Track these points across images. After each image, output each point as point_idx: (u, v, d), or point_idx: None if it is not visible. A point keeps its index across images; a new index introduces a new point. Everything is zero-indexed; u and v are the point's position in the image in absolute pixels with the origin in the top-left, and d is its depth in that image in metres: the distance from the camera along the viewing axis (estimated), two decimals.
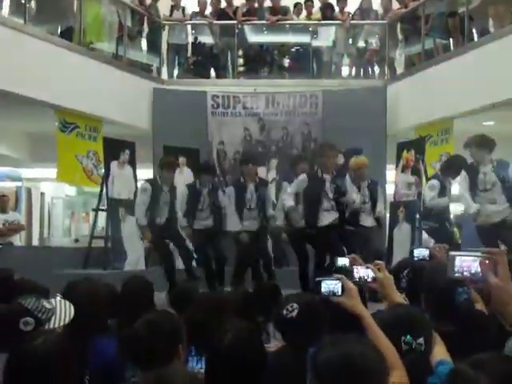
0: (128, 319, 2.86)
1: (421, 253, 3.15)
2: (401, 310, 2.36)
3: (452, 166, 7.30)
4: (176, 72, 11.55)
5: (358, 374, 1.61)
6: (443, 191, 7.34)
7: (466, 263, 1.74)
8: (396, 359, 1.95)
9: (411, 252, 3.20)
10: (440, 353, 2.22)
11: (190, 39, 11.66)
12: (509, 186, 6.46)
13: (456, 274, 1.77)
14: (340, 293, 2.28)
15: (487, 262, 1.69)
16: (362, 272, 2.66)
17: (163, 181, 7.20)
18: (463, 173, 6.80)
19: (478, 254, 1.74)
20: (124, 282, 3.69)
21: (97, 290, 3.07)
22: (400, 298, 2.63)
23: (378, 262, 2.70)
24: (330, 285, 2.30)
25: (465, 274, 1.75)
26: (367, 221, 7.23)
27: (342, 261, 3.65)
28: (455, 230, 15.08)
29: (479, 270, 1.71)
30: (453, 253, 1.81)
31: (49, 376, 1.97)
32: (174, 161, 7.70)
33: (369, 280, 2.65)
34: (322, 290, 2.31)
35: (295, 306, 2.60)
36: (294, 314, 2.58)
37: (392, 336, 2.11)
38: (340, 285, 2.28)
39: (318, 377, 1.69)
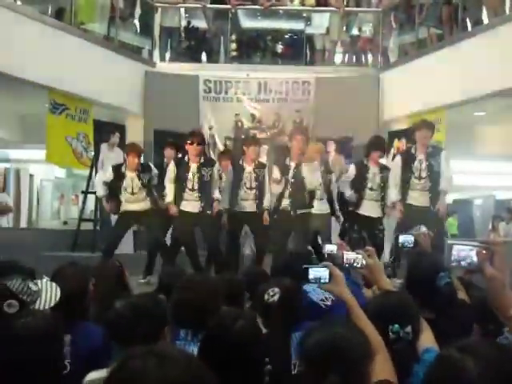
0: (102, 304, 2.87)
1: (405, 239, 3.15)
2: (388, 298, 2.36)
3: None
4: (168, 55, 11.46)
5: (343, 358, 1.63)
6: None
7: (464, 253, 1.74)
8: (379, 344, 1.96)
9: (396, 238, 3.21)
10: (427, 340, 2.23)
11: (183, 23, 11.57)
12: (435, 174, 6.51)
13: (453, 264, 1.77)
14: (327, 280, 2.28)
15: (484, 252, 1.68)
16: (352, 257, 2.65)
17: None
18: (398, 158, 6.89)
19: (476, 243, 1.74)
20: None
21: (84, 274, 3.06)
22: (389, 284, 2.64)
23: (369, 248, 2.70)
24: (317, 272, 2.30)
25: (462, 263, 1.74)
26: (372, 210, 7.02)
27: (330, 247, 3.67)
28: (451, 219, 15.24)
29: (476, 259, 1.70)
30: (451, 241, 1.80)
31: (34, 356, 1.96)
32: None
33: (358, 266, 2.64)
34: (310, 277, 2.30)
35: (276, 290, 2.62)
36: (276, 298, 2.59)
37: (379, 325, 2.11)
38: (327, 272, 2.28)
39: (305, 361, 1.71)
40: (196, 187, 6.77)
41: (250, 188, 6.95)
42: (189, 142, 6.79)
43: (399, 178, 6.76)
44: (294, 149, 6.79)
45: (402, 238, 3.16)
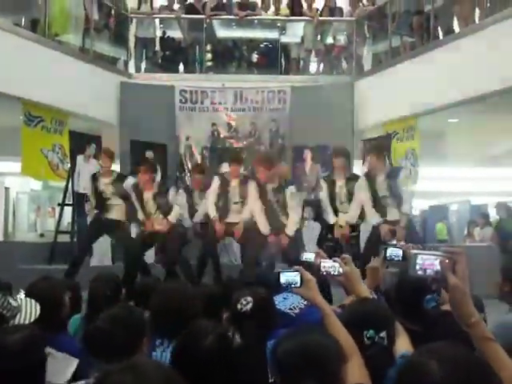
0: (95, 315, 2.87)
1: (393, 252, 3.07)
2: (363, 304, 2.38)
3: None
4: (144, 66, 11.46)
5: (316, 363, 1.65)
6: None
7: (428, 262, 1.75)
8: (353, 348, 1.98)
9: (384, 251, 3.04)
10: (403, 345, 2.25)
11: (158, 33, 11.58)
12: (396, 192, 6.42)
13: (418, 272, 1.78)
14: (299, 284, 2.30)
15: (447, 261, 1.70)
16: (329, 265, 2.68)
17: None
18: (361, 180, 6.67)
19: (439, 252, 1.75)
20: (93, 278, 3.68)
21: (58, 287, 3.09)
22: (366, 291, 2.64)
23: (345, 256, 2.72)
24: (289, 276, 2.32)
25: (428, 272, 1.76)
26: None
27: (307, 255, 3.70)
28: (440, 224, 15.34)
29: (439, 268, 1.72)
30: (414, 251, 1.81)
31: (17, 369, 1.97)
32: None
33: (335, 274, 2.64)
34: (282, 281, 2.32)
35: (249, 299, 2.64)
36: (249, 307, 2.62)
37: (355, 330, 2.13)
38: (299, 276, 2.30)
39: (279, 368, 1.73)
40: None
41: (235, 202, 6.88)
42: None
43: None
44: (260, 179, 6.58)
45: (389, 252, 3.08)
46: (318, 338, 1.77)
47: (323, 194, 6.85)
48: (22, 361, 1.99)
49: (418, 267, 1.76)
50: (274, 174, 6.49)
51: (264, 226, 6.48)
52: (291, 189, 6.53)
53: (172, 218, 6.75)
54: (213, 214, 6.75)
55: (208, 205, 6.84)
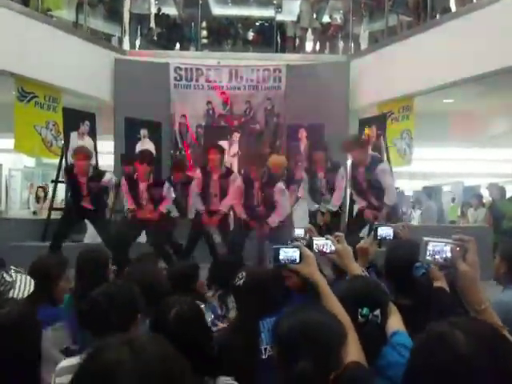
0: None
1: (384, 231, 3.10)
2: (357, 282, 2.38)
3: None
4: (138, 43, 11.35)
5: (315, 341, 1.65)
6: None
7: (439, 248, 1.77)
8: (349, 325, 1.99)
9: (375, 230, 3.09)
10: (395, 323, 2.26)
11: (153, 9, 11.47)
12: (375, 184, 6.52)
13: (428, 258, 1.80)
14: (298, 260, 2.29)
15: (458, 248, 1.72)
16: (321, 243, 2.68)
17: None
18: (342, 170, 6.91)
19: (450, 240, 1.77)
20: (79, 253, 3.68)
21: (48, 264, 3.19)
22: (359, 269, 2.65)
23: (338, 233, 2.72)
24: (287, 252, 2.31)
25: (436, 258, 1.78)
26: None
27: (298, 231, 3.74)
28: (453, 205, 15.36)
29: (449, 255, 1.74)
30: (426, 238, 1.83)
31: (13, 343, 1.98)
32: None
33: (327, 252, 2.65)
34: (280, 257, 2.31)
35: (244, 274, 2.70)
36: (241, 282, 2.68)
37: (349, 308, 2.12)
38: (298, 252, 2.29)
39: (280, 345, 1.73)
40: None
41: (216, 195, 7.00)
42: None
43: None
44: (252, 177, 6.61)
45: (380, 231, 3.10)
46: (318, 316, 1.77)
47: (304, 186, 7.13)
48: (15, 336, 1.99)
49: (428, 253, 1.78)
50: (264, 172, 6.60)
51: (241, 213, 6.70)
52: (280, 185, 6.63)
53: (163, 207, 6.96)
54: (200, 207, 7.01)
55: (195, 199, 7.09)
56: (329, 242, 2.64)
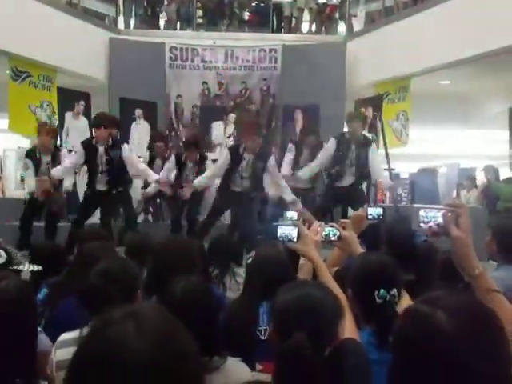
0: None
1: (374, 211, 3.10)
2: (372, 262, 2.28)
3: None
4: (133, 22, 11.25)
5: (312, 314, 1.65)
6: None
7: (431, 213, 1.76)
8: (345, 303, 1.99)
9: (366, 210, 3.11)
10: (406, 301, 2.25)
11: None
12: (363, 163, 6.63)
13: (421, 224, 1.79)
14: (296, 239, 2.30)
15: (449, 214, 1.71)
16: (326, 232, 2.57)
17: None
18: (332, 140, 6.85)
19: (441, 206, 1.77)
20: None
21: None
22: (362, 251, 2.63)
23: (344, 220, 2.70)
24: (286, 230, 2.31)
25: (430, 224, 1.77)
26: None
27: (290, 214, 3.73)
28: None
29: (441, 221, 1.74)
30: (416, 205, 1.82)
31: (10, 318, 1.98)
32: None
33: (333, 239, 2.58)
34: (278, 234, 2.32)
35: (252, 253, 2.72)
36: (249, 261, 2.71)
37: (365, 290, 2.10)
38: (296, 231, 2.30)
39: (276, 319, 1.73)
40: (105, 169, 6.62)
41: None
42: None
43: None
44: (250, 149, 6.52)
45: (370, 210, 3.09)
46: (314, 290, 1.76)
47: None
48: (12, 307, 2.00)
49: (420, 220, 1.78)
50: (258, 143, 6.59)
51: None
52: (272, 160, 6.64)
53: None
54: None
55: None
56: (334, 230, 2.57)
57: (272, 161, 6.58)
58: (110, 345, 0.97)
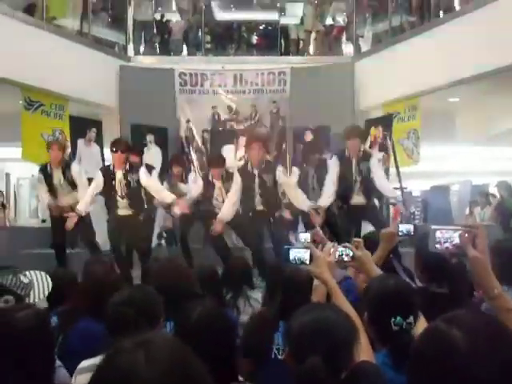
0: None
1: (405, 228, 3.06)
2: (389, 286, 2.22)
3: None
4: (142, 49, 11.40)
5: (328, 337, 1.64)
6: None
7: (448, 234, 1.75)
8: (360, 326, 1.98)
9: (396, 227, 3.08)
10: (422, 326, 2.23)
11: (157, 16, 11.51)
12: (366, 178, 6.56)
13: (437, 246, 1.78)
14: (308, 261, 2.29)
15: (466, 235, 1.70)
16: (340, 253, 2.55)
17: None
18: (335, 159, 6.78)
19: (458, 227, 1.76)
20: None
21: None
22: (377, 270, 2.60)
23: (357, 239, 2.69)
24: (298, 253, 2.31)
25: (446, 245, 1.76)
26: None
27: (304, 236, 3.69)
28: None
29: (458, 242, 1.73)
30: (434, 226, 1.81)
31: (27, 349, 1.97)
32: None
33: (347, 259, 2.55)
34: (291, 257, 2.31)
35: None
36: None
37: (381, 316, 2.08)
38: (308, 253, 2.29)
39: (291, 342, 1.72)
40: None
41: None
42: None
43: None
44: (253, 159, 6.59)
45: (402, 227, 3.09)
46: (330, 314, 1.76)
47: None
48: (29, 338, 1.99)
49: (436, 241, 1.77)
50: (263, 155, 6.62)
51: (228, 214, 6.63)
52: (279, 169, 6.64)
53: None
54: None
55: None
56: (348, 251, 2.55)
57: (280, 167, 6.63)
58: (121, 373, 0.99)
